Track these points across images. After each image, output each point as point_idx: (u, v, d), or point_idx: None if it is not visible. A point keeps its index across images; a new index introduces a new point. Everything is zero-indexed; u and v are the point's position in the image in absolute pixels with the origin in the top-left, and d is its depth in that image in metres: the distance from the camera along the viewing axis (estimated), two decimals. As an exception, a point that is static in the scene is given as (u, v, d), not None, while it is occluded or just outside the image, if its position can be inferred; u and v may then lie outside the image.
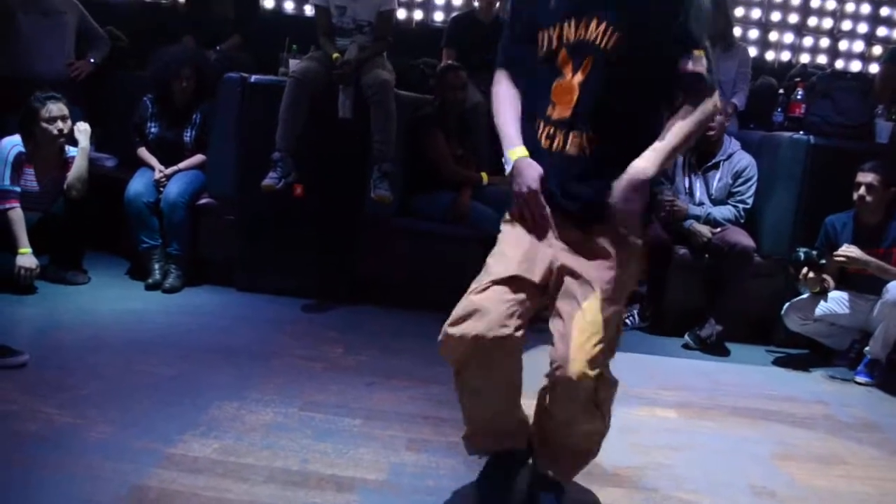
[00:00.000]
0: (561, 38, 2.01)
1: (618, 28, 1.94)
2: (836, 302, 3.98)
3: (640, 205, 1.97)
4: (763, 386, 3.75)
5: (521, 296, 1.99)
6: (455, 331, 1.97)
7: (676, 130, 1.97)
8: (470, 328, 1.94)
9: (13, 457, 2.34)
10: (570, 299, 2.00)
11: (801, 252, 3.91)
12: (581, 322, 1.96)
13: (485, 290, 1.99)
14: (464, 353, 1.99)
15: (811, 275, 3.89)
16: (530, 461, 2.33)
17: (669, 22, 1.93)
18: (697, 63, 1.95)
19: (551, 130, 2.05)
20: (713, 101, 1.99)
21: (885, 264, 3.80)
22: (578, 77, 2.00)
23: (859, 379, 3.88)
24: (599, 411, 2.05)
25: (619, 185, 1.94)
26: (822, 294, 3.98)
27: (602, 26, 1.94)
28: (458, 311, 1.99)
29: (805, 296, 4.03)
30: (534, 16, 2.07)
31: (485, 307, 1.95)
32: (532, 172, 2.04)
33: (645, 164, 1.95)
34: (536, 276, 2.03)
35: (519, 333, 1.98)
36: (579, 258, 2.04)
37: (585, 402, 1.99)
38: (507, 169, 2.11)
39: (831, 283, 4.00)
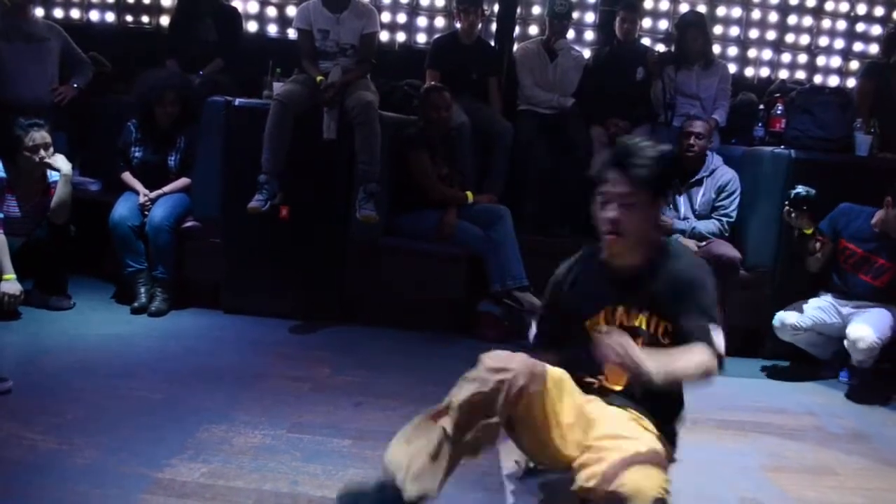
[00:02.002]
0: (609, 322, 2.23)
1: (663, 319, 2.22)
2: (824, 310, 3.99)
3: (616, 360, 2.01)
4: (752, 398, 3.75)
5: None
6: None
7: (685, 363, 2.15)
8: None
9: (-3, 484, 2.31)
10: None
11: (796, 191, 3.88)
12: None
13: None
14: None
15: (793, 214, 3.87)
16: None
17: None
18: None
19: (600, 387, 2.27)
20: (712, 356, 2.21)
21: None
22: None
23: (843, 378, 4.00)
24: None
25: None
26: (814, 249, 3.93)
27: (646, 314, 2.22)
28: None
29: (794, 307, 4.02)
30: (577, 310, 2.29)
31: None
32: None
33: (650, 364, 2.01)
34: None
35: None
36: None
37: None
38: None
39: (818, 246, 3.94)
